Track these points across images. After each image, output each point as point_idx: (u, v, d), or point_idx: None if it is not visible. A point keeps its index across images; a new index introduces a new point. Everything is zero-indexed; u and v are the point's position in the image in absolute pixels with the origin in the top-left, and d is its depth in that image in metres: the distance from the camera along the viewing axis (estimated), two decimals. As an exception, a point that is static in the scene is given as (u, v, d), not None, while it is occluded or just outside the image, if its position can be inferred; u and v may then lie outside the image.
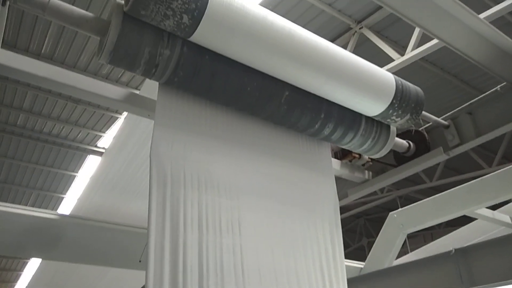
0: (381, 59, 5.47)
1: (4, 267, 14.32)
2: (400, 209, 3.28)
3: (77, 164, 10.03)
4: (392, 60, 5.69)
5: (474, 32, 2.07)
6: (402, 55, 5.72)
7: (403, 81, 2.11)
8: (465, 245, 2.51)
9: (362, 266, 3.27)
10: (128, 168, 2.70)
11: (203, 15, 1.58)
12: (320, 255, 1.88)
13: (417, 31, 5.45)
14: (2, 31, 1.75)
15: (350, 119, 2.10)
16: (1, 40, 1.78)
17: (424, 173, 8.54)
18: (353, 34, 6.17)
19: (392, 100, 2.02)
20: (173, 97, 1.87)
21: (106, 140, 9.64)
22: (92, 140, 9.58)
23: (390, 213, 3.32)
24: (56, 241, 2.52)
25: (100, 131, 9.19)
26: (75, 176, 10.33)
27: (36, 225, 2.41)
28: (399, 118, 2.10)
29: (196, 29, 1.61)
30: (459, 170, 8.65)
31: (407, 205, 3.09)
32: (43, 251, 2.56)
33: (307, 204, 2.00)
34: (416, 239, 10.77)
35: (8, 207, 2.35)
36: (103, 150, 9.99)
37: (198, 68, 1.77)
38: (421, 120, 2.24)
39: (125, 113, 8.74)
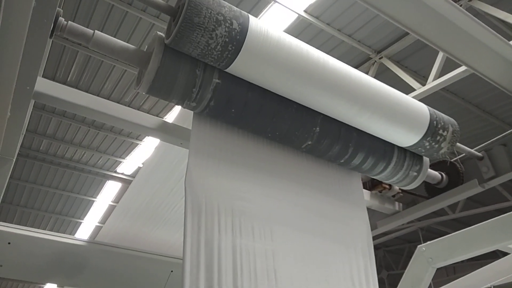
0: (401, 89, 5.47)
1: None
2: (428, 242, 3.17)
3: (96, 189, 10.14)
4: (413, 89, 5.69)
5: (506, 60, 2.05)
6: (423, 85, 5.73)
7: (437, 111, 2.09)
8: (500, 280, 2.39)
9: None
10: (155, 196, 2.71)
11: (241, 47, 1.62)
12: (353, 285, 1.82)
13: (438, 60, 5.46)
14: (45, 61, 1.82)
15: (382, 149, 2.08)
16: (43, 70, 1.85)
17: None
18: (373, 64, 6.22)
19: (426, 131, 2.00)
20: (207, 125, 1.89)
21: (125, 166, 9.76)
22: (112, 166, 9.71)
23: (418, 246, 3.21)
24: (80, 267, 2.51)
25: (120, 157, 9.33)
26: (93, 201, 10.41)
27: (60, 250, 2.41)
28: (432, 149, 2.07)
29: (234, 60, 1.65)
30: (482, 202, 8.41)
31: (429, 236, 3.00)
32: (66, 277, 2.55)
33: (340, 236, 1.96)
34: (438, 272, 10.38)
35: (34, 232, 2.37)
36: (122, 176, 10.10)
37: (232, 98, 1.79)
38: (455, 151, 2.20)
39: (145, 140, 8.90)
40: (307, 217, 1.94)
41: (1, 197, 1.94)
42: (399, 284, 3.18)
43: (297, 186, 2.01)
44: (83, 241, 2.49)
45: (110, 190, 10.23)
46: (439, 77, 5.46)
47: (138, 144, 8.91)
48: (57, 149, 8.96)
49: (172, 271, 2.72)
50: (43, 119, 8.10)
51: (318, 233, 1.92)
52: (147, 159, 2.68)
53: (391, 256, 10.68)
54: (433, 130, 2.01)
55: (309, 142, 1.97)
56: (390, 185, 2.52)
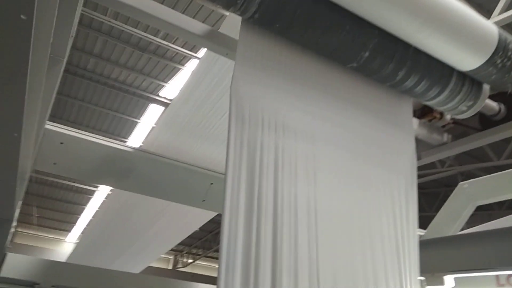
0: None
1: (71, 200, 15.63)
2: (471, 180, 3.09)
3: (140, 111, 10.47)
4: (476, 23, 5.21)
5: None
6: (488, 18, 5.23)
7: (508, 35, 1.89)
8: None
9: (422, 233, 3.17)
10: (197, 113, 2.75)
11: None
12: (394, 212, 1.82)
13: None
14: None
15: (439, 71, 1.94)
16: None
17: (492, 150, 7.99)
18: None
19: (493, 55, 1.83)
20: (255, 34, 1.82)
21: (167, 90, 9.93)
22: (154, 89, 9.91)
23: (460, 183, 3.14)
24: (127, 172, 2.65)
25: (162, 80, 9.47)
26: (137, 122, 10.80)
27: (109, 154, 2.54)
28: (495, 76, 1.91)
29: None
30: (532, 150, 7.99)
31: (468, 183, 2.92)
32: (115, 181, 2.72)
33: (383, 160, 1.92)
34: (472, 218, 10.28)
35: (85, 134, 2.49)
36: (164, 100, 10.32)
37: (283, 3, 1.69)
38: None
39: (187, 65, 8.92)
40: (351, 137, 1.90)
41: (54, 97, 2.00)
42: (436, 216, 3.18)
43: (344, 105, 1.95)
44: (131, 148, 2.60)
45: (152, 113, 10.52)
46: (505, 11, 4.94)
47: (180, 69, 8.96)
48: (103, 69, 9.18)
49: (212, 183, 2.83)
50: (90, 38, 8.23)
51: (361, 154, 1.89)
52: (188, 77, 2.68)
53: (426, 198, 10.62)
54: (500, 54, 1.84)
55: (361, 59, 1.87)
56: (441, 114, 2.40)
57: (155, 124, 10.86)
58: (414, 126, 2.36)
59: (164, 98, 10.42)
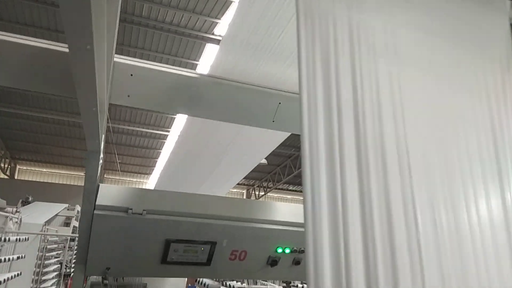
0: None
1: (147, 145, 16.71)
2: None
3: (197, 53, 10.51)
4: None
5: None
6: None
7: None
8: None
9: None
10: (259, 26, 2.62)
11: None
12: (489, 101, 1.63)
13: None
14: None
15: None
16: None
17: None
18: None
19: None
20: None
21: (221, 27, 9.77)
22: (209, 28, 9.80)
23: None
24: (197, 98, 2.68)
25: (216, 17, 9.31)
26: (197, 64, 10.90)
27: (179, 82, 2.57)
28: None
29: None
30: None
31: None
32: (187, 108, 2.77)
33: (475, 40, 1.70)
34: None
35: (153, 64, 2.52)
36: (220, 38, 10.20)
37: None
38: None
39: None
40: (438, 17, 1.68)
41: (117, 23, 2.00)
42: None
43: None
44: (198, 73, 2.60)
45: (210, 53, 10.51)
46: None
47: (232, 2, 8.69)
48: (157, 14, 9.21)
49: (280, 103, 2.78)
50: (140, -18, 8.20)
51: (452, 34, 1.67)
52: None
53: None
54: None
55: None
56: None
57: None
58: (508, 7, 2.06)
59: (219, 36, 10.30)
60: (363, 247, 1.33)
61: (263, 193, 21.05)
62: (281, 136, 3.90)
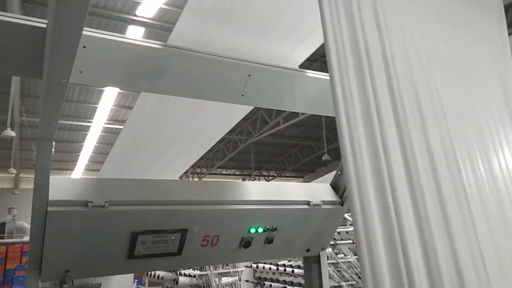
0: None
1: (67, 139, 15.41)
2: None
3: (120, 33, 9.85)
4: None
5: None
6: None
7: None
8: None
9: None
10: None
11: None
12: (494, 49, 1.66)
13: None
14: None
15: None
16: None
17: None
18: None
19: None
20: None
21: (144, 7, 9.19)
22: (130, 9, 9.17)
23: None
24: (158, 71, 2.41)
25: (141, -6, 8.74)
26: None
27: (136, 54, 2.28)
28: None
29: None
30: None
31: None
32: (149, 83, 2.48)
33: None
34: None
35: (107, 34, 2.20)
36: (143, 20, 9.60)
37: None
38: None
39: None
40: None
41: None
42: None
43: None
44: (159, 44, 2.32)
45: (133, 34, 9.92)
46: None
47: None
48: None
49: (249, 75, 2.61)
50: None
51: None
52: None
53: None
54: None
55: None
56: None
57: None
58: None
59: (142, 17, 9.73)
60: (411, 199, 1.29)
61: (196, 179, 20.77)
62: (244, 109, 3.74)
